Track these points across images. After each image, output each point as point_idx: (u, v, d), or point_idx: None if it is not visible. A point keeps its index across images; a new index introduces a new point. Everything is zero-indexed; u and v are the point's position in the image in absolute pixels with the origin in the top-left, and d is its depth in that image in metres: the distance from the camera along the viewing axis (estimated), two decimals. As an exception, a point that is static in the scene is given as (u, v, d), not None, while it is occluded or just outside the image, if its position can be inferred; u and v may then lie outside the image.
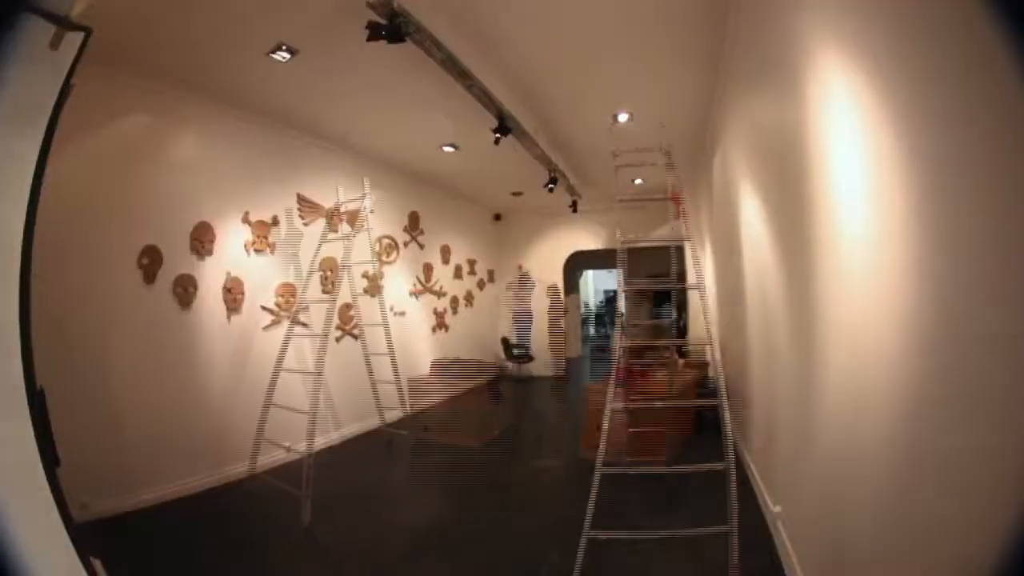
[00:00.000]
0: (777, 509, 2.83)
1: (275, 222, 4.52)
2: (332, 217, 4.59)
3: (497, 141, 4.35)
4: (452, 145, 5.40)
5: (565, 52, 3.63)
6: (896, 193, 1.23)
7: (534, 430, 5.80)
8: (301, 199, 4.73)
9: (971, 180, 0.96)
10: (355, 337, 5.10)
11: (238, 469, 3.90)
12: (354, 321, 5.10)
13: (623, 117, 4.85)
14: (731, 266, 4.67)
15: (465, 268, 8.07)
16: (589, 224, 8.59)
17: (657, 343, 5.80)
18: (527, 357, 8.51)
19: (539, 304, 9.03)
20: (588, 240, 8.78)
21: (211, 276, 3.96)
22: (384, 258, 5.79)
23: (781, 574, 2.51)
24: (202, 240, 3.90)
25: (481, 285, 8.57)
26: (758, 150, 3.13)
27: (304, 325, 4.36)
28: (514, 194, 7.66)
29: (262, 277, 4.40)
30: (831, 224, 1.76)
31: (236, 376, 4.08)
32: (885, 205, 1.31)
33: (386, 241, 5.95)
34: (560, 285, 9.00)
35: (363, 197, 4.38)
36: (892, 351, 1.31)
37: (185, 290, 3.76)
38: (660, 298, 8.79)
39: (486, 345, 8.50)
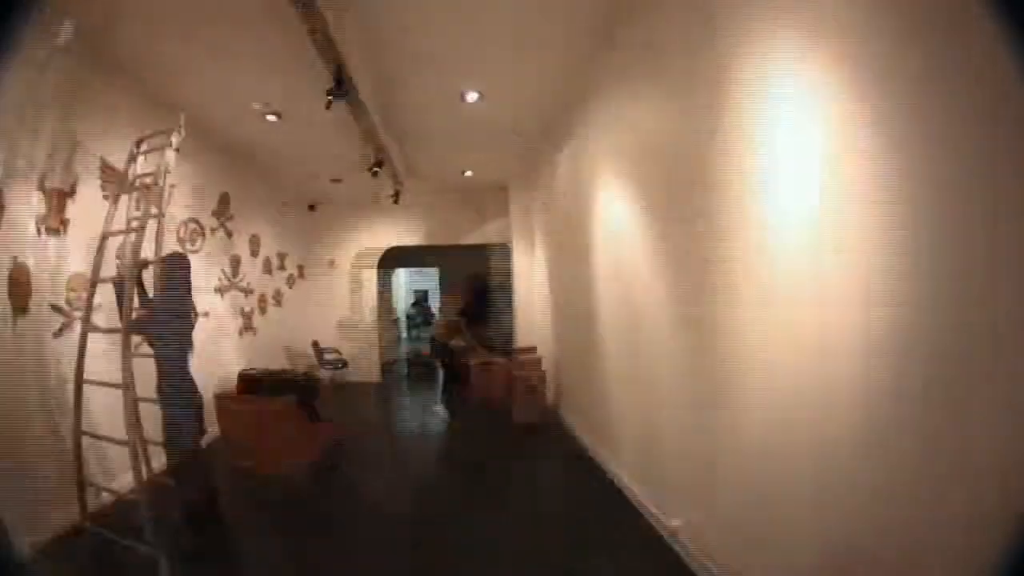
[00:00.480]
0: (676, 523, 2.90)
1: (72, 192, 3.30)
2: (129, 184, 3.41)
3: (329, 105, 3.56)
4: (276, 113, 4.72)
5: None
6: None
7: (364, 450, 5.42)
8: (105, 165, 3.55)
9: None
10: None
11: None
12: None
13: (472, 96, 4.64)
14: (578, 266, 4.86)
15: (275, 262, 7.11)
16: (410, 218, 8.46)
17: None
18: (342, 363, 7.90)
19: (349, 303, 8.52)
20: (407, 236, 8.66)
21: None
22: (189, 246, 4.69)
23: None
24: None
25: (291, 282, 7.66)
26: (641, 153, 3.33)
27: (97, 330, 3.26)
28: (334, 181, 7.08)
29: (54, 264, 3.21)
30: (750, 240, 2.16)
31: (27, 399, 2.91)
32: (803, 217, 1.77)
33: (192, 226, 4.83)
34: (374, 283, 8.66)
35: (165, 148, 3.13)
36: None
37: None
38: (482, 298, 9.14)
39: (299, 350, 7.64)
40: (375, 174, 5.38)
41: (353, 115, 4.13)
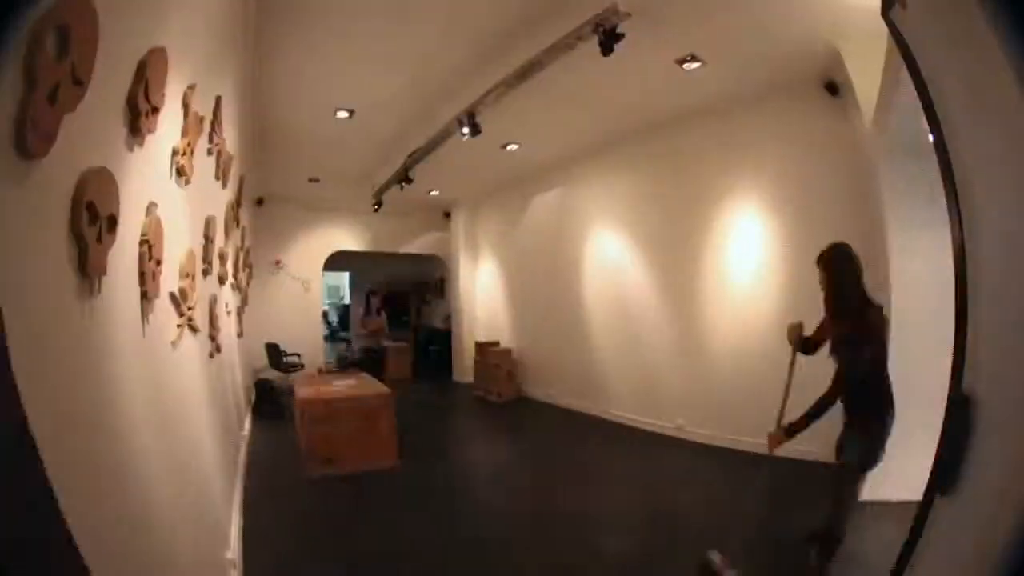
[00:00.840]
0: (680, 422, 5.25)
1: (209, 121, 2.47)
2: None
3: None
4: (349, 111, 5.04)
5: None
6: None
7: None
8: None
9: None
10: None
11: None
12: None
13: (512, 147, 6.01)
14: (560, 277, 6.98)
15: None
16: (355, 225, 8.77)
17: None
18: (300, 366, 7.75)
19: (295, 304, 8.35)
20: (350, 241, 8.89)
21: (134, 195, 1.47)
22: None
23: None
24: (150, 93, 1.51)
25: (248, 279, 7.26)
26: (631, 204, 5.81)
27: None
28: (311, 180, 7.14)
29: (176, 229, 2.07)
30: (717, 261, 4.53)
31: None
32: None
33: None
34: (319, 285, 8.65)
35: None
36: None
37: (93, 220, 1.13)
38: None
39: (249, 351, 7.26)
40: (401, 187, 6.06)
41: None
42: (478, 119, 4.38)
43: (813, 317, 2.57)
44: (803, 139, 4.19)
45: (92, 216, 1.17)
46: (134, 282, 1.51)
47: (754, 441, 3.78)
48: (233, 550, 2.63)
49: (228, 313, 4.21)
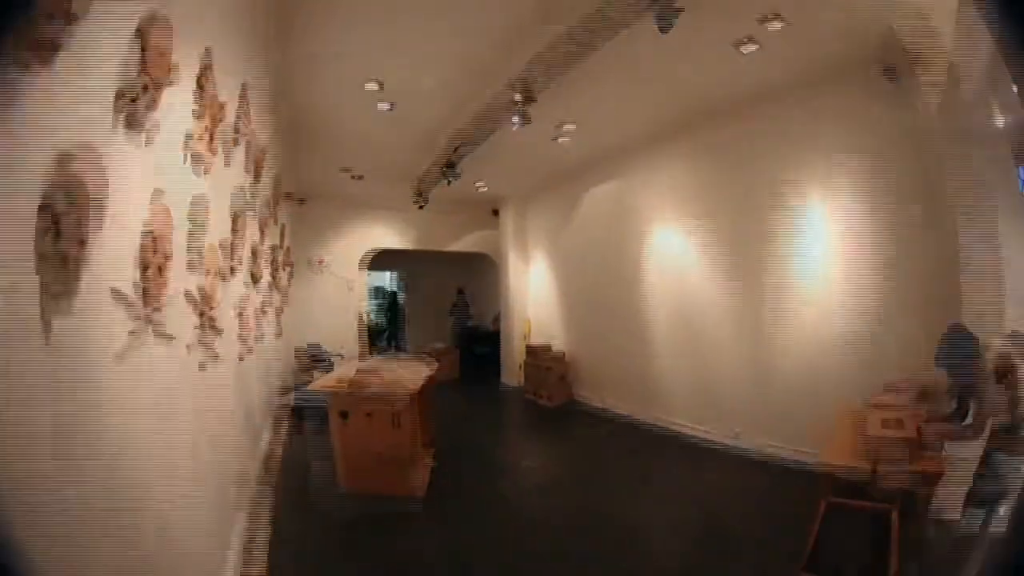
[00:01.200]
0: (737, 430, 4.82)
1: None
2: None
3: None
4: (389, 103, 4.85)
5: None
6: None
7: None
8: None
9: None
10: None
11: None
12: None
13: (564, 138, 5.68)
14: (619, 277, 6.52)
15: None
16: (399, 223, 8.68)
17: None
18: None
19: (339, 304, 8.34)
20: (395, 239, 8.82)
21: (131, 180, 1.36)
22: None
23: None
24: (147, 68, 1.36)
25: (290, 278, 7.32)
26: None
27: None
28: (355, 177, 7.08)
29: (193, 221, 1.93)
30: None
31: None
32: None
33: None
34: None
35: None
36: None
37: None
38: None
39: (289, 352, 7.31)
40: (449, 183, 5.88)
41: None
42: (528, 108, 4.13)
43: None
44: (864, 126, 3.92)
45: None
46: (130, 277, 1.33)
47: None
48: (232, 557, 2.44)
49: (263, 312, 4.12)
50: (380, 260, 9.24)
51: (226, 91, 2.21)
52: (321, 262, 8.15)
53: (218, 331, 2.23)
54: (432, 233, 9.00)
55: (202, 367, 1.98)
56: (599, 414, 6.54)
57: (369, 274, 9.34)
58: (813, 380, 4.11)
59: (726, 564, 2.84)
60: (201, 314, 2.06)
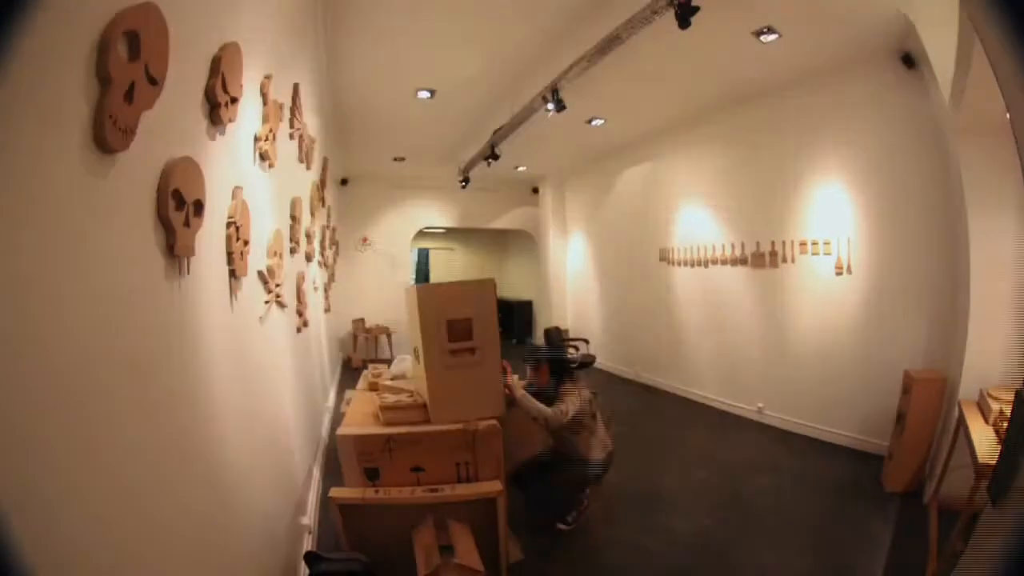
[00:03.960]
0: (760, 405, 5.05)
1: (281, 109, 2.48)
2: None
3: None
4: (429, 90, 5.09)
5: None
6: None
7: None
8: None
9: None
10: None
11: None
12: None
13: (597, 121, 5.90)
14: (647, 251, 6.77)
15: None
16: (441, 201, 8.98)
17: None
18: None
19: (383, 280, 8.76)
20: (437, 217, 9.13)
21: (219, 181, 1.61)
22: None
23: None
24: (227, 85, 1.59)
25: (336, 257, 7.79)
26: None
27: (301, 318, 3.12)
28: (396, 159, 7.40)
29: (262, 211, 2.20)
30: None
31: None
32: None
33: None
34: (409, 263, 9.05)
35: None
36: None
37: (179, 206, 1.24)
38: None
39: (338, 325, 7.80)
40: (489, 164, 6.07)
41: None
42: (561, 95, 4.30)
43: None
44: (883, 114, 4.01)
45: (178, 202, 1.29)
46: (222, 261, 1.66)
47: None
48: (309, 516, 2.87)
49: (315, 289, 4.52)
50: (425, 238, 9.61)
51: (281, 92, 2.52)
52: (365, 240, 8.58)
53: (282, 305, 2.60)
54: (473, 211, 9.28)
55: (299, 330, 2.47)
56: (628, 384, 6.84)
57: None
58: (830, 361, 4.36)
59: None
60: (269, 291, 2.42)
